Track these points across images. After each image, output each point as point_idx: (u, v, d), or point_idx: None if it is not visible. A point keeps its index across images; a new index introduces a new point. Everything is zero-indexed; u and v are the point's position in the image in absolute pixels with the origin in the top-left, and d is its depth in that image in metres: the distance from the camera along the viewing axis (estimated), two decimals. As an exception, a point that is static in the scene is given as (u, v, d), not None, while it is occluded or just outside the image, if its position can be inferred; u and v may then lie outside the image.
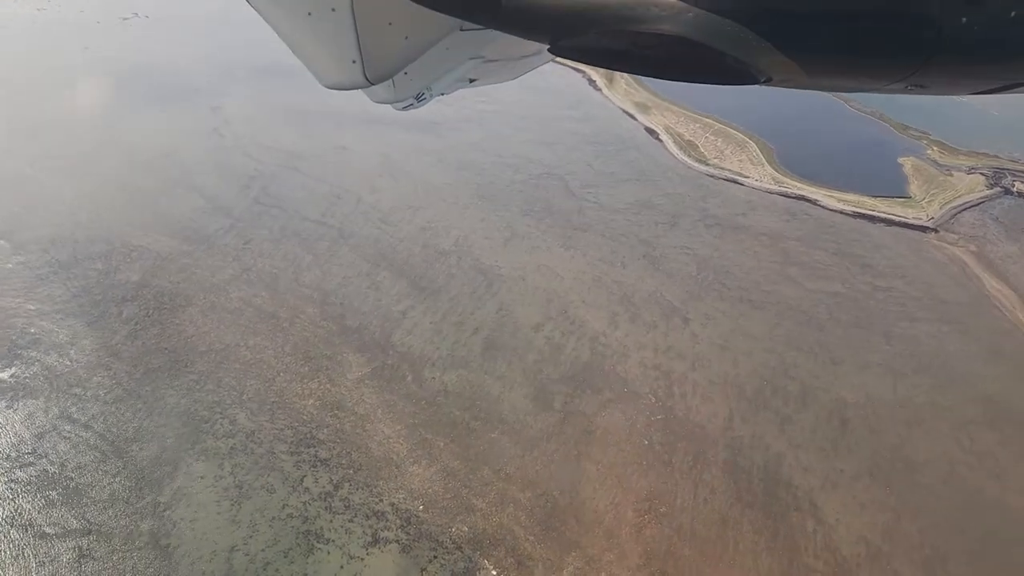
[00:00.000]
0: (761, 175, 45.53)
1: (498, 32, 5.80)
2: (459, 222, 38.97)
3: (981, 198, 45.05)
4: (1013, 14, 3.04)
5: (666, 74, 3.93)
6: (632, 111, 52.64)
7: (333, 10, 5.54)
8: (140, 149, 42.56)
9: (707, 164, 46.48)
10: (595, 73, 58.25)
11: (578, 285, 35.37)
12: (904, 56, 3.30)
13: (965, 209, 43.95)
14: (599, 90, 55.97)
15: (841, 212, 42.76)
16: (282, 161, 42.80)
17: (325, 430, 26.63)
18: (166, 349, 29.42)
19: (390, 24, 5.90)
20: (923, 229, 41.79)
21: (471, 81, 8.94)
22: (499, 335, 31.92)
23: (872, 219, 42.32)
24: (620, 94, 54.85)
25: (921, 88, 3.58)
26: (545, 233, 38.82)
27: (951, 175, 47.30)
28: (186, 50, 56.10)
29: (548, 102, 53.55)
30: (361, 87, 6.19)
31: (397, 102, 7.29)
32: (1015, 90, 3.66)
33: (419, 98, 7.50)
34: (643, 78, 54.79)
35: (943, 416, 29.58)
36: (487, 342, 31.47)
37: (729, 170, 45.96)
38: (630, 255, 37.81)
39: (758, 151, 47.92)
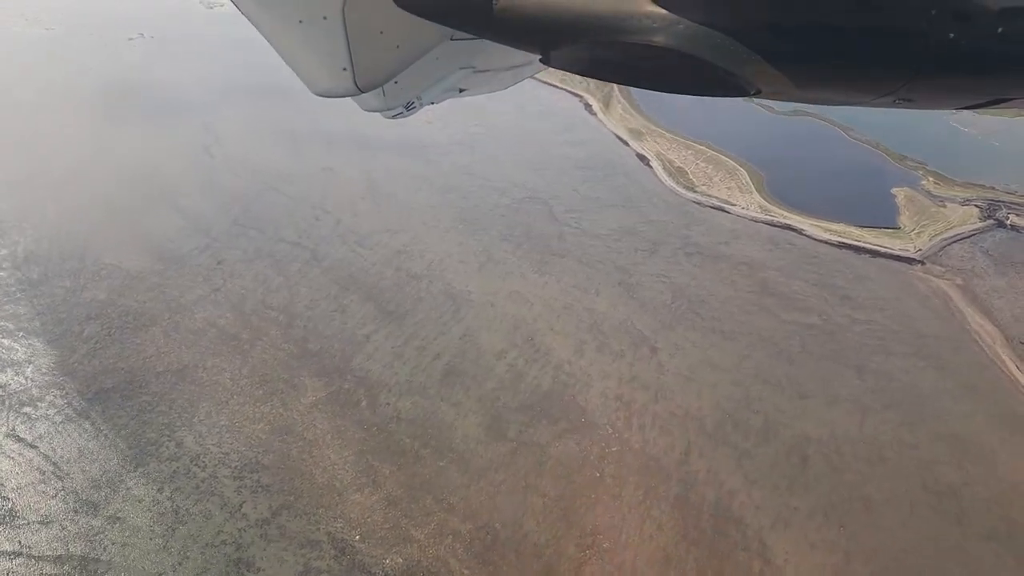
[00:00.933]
0: (748, 203, 45.01)
1: (489, 42, 5.88)
2: (436, 246, 38.83)
3: (973, 230, 44.15)
4: (1000, 30, 3.14)
5: (656, 85, 4.07)
6: (625, 137, 52.36)
7: (324, 18, 5.57)
8: (128, 167, 42.91)
9: (694, 191, 46.05)
10: (592, 98, 58.13)
11: (548, 312, 35.04)
12: (892, 70, 3.44)
13: (955, 241, 43.08)
14: (594, 115, 55.76)
15: (826, 242, 42.09)
16: (267, 182, 42.93)
17: (271, 455, 26.46)
18: (122, 369, 29.44)
19: (381, 33, 5.93)
20: (909, 261, 41.01)
21: (461, 91, 8.87)
22: (460, 361, 31.64)
23: (857, 250, 41.61)
24: (615, 119, 54.63)
25: (908, 102, 3.74)
26: (521, 258, 38.57)
27: (944, 206, 46.44)
28: (186, 70, 56.71)
29: (542, 126, 53.46)
30: (351, 95, 6.34)
31: (387, 110, 7.35)
32: (1001, 105, 3.74)
33: (409, 107, 7.53)
34: (640, 103, 54.97)
35: (909, 454, 28.85)
36: (447, 368, 31.21)
37: (716, 197, 45.49)
38: (605, 282, 37.44)
39: (748, 179, 47.41)
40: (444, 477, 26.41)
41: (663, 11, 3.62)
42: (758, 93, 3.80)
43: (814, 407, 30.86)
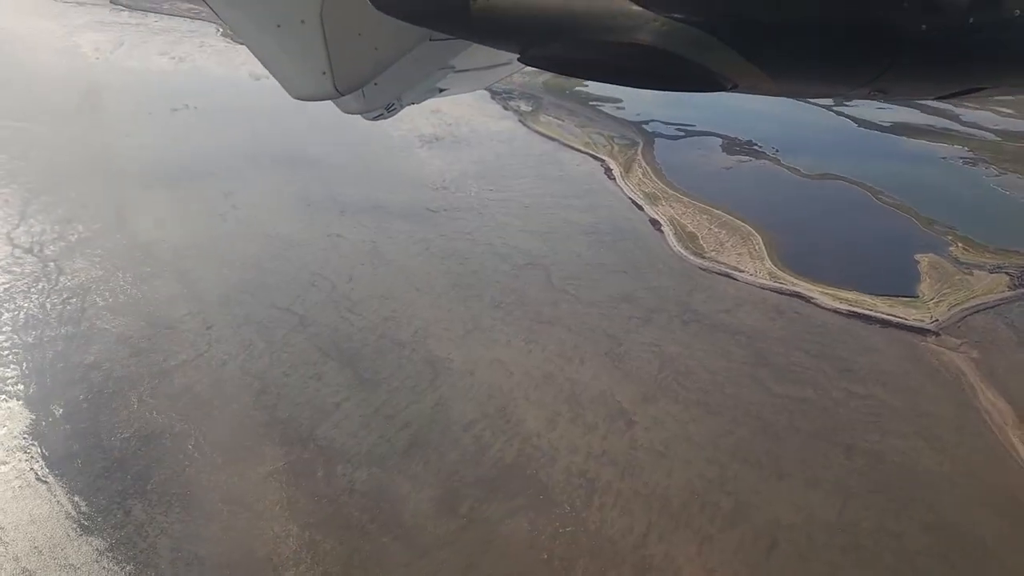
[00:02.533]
0: (757, 269, 43.70)
1: (468, 42, 6.26)
2: (425, 312, 38.75)
3: (999, 300, 41.77)
4: (971, 20, 3.20)
5: (633, 82, 4.30)
6: (641, 201, 51.77)
7: (302, 22, 5.74)
8: (140, 231, 44.38)
9: (703, 257, 45.00)
10: (613, 162, 57.93)
11: (527, 381, 34.38)
12: (865, 62, 3.52)
13: (977, 311, 40.79)
14: (613, 179, 55.41)
15: (835, 311, 40.41)
16: (272, 247, 43.78)
17: (215, 525, 26.34)
18: (91, 434, 29.93)
19: (360, 35, 6.03)
20: (922, 332, 38.95)
21: (441, 91, 9.14)
22: (427, 432, 31.17)
23: (867, 319, 39.79)
24: (633, 184, 54.17)
25: (883, 94, 3.88)
26: (510, 326, 38.11)
27: (971, 274, 44.17)
28: (220, 138, 58.82)
29: (556, 190, 53.33)
30: (331, 98, 6.45)
31: (367, 112, 7.71)
32: (975, 94, 3.86)
33: (389, 108, 7.98)
34: (662, 167, 54.69)
35: (888, 544, 26.91)
36: (412, 439, 30.76)
37: (724, 264, 44.33)
38: (592, 351, 36.62)
39: (762, 244, 46.12)
40: (386, 554, 25.78)
41: (639, 8, 3.68)
42: (735, 88, 3.89)
43: (792, 489, 29.21)
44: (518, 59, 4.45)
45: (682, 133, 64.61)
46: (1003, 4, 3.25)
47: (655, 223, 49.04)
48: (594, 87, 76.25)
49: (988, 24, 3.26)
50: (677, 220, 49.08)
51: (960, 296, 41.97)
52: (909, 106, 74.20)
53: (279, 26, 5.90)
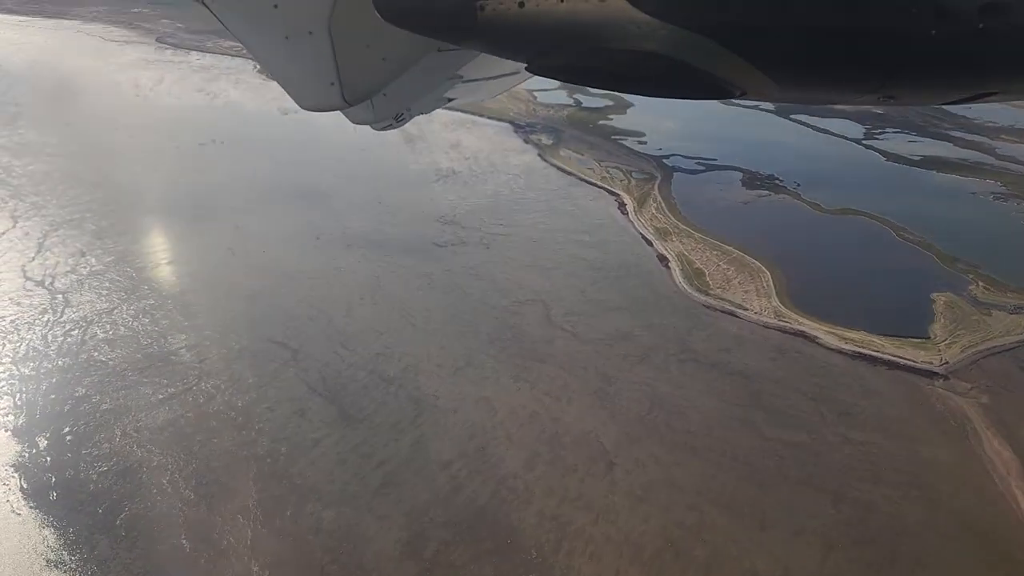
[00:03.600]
0: (763, 308, 42.64)
1: (475, 52, 6.24)
2: (418, 348, 38.59)
3: (1016, 342, 40.04)
4: (981, 25, 3.14)
5: (641, 90, 4.35)
6: (651, 236, 51.11)
7: (310, 33, 5.87)
8: (149, 264, 45.33)
9: (707, 294, 44.11)
10: (628, 197, 57.40)
11: (511, 420, 33.90)
12: (873, 69, 3.50)
13: (991, 354, 39.14)
14: (626, 214, 54.83)
15: (840, 351, 39.15)
16: (276, 281, 44.18)
17: (176, 564, 26.33)
18: (71, 467, 30.31)
19: (367, 46, 6.15)
20: (930, 375, 37.46)
21: (449, 100, 9.27)
22: (402, 471, 30.85)
23: (873, 361, 38.45)
24: (645, 219, 53.57)
25: (892, 99, 3.84)
26: (502, 363, 37.73)
27: (989, 314, 42.48)
28: (240, 173, 59.92)
29: (566, 225, 52.99)
30: (340, 108, 6.64)
31: (376, 122, 7.79)
32: (984, 100, 3.77)
33: (398, 118, 7.94)
34: (677, 202, 54.03)
35: (868, 602, 25.67)
36: (386, 478, 30.47)
37: (729, 301, 43.36)
38: (581, 390, 36.00)
39: (771, 282, 45.05)
40: (342, 596, 25.45)
41: (646, 16, 3.73)
42: (743, 95, 3.93)
43: (773, 539, 28.12)
44: (525, 68, 4.50)
45: (702, 167, 63.77)
46: (1013, 9, 3.17)
47: (663, 259, 48.29)
48: (618, 121, 76.16)
49: (998, 29, 3.19)
50: (685, 256, 48.26)
51: (975, 337, 40.32)
52: (942, 139, 72.49)
53: (287, 38, 6.04)
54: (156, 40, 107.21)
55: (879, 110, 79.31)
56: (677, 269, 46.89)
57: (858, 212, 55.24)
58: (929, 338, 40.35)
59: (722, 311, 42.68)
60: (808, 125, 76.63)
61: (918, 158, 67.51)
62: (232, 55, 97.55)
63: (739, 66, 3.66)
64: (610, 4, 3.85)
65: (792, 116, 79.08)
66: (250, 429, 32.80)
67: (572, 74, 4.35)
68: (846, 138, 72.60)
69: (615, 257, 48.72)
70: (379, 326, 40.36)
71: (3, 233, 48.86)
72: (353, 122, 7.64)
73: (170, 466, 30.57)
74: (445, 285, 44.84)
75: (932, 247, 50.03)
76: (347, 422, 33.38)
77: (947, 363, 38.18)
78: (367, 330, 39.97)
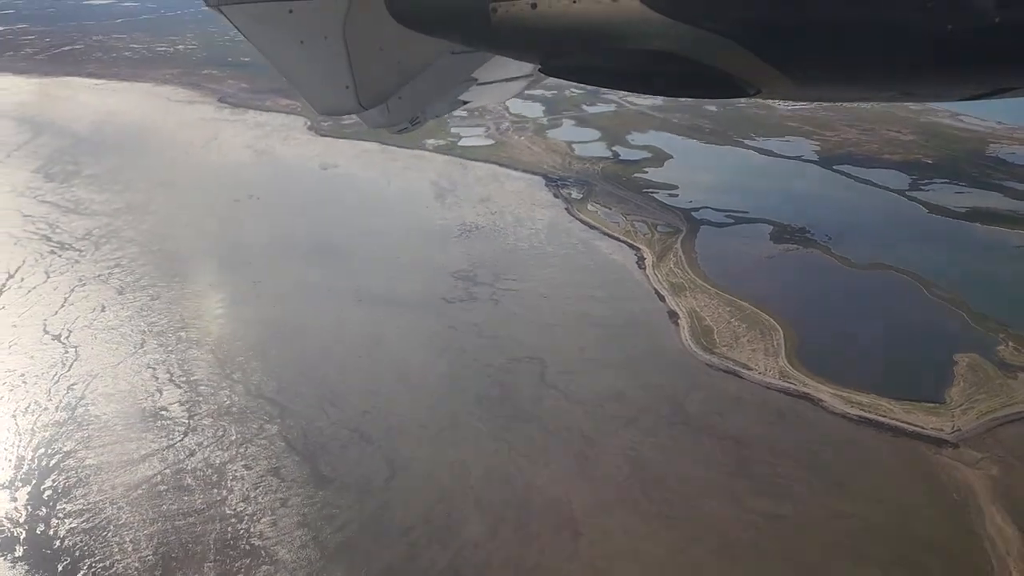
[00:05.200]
0: (768, 367, 40.99)
1: (489, 54, 6.61)
2: (405, 408, 38.29)
3: (1040, 409, 37.40)
4: (997, 20, 3.13)
5: (655, 90, 4.47)
6: (665, 291, 49.98)
7: (325, 38, 6.03)
8: (161, 319, 46.51)
9: (713, 353, 42.68)
10: (649, 250, 56.46)
11: (482, 484, 33.15)
12: (891, 65, 3.53)
13: (1011, 422, 36.63)
14: (643, 268, 53.81)
15: (844, 416, 37.23)
16: (280, 336, 44.72)
17: (119, 624, 26.33)
18: (41, 522, 30.88)
19: (382, 49, 6.28)
20: (938, 443, 35.23)
21: (464, 103, 9.71)
22: (362, 535, 30.40)
23: (879, 426, 36.43)
24: (662, 273, 52.47)
25: (909, 96, 4.10)
26: (485, 424, 37.10)
27: (1015, 378, 39.91)
28: (269, 229, 61.19)
29: (580, 280, 52.32)
30: (355, 112, 6.79)
31: (392, 126, 8.04)
32: (1002, 95, 3.78)
33: (413, 121, 8.25)
34: (699, 256, 52.89)
35: None
36: (344, 542, 30.07)
37: (734, 360, 41.83)
38: (561, 453, 35.06)
39: (781, 340, 43.37)
40: (275, 666, 24.95)
41: (659, 16, 3.72)
42: (758, 93, 3.97)
43: (735, 620, 26.50)
44: (539, 70, 4.54)
45: (731, 220, 62.30)
46: None
47: (673, 315, 47.08)
48: (653, 173, 75.39)
49: (1016, 23, 3.13)
50: (697, 312, 46.95)
51: (995, 403, 37.84)
52: (993, 189, 69.33)
53: (302, 43, 6.14)
54: (218, 100, 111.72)
55: (929, 160, 76.71)
56: (686, 326, 45.62)
57: (888, 267, 52.96)
58: (944, 403, 38.04)
59: (725, 371, 41.18)
60: (851, 176, 74.45)
61: (963, 210, 64.53)
62: (287, 112, 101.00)
63: (754, 64, 3.64)
64: (623, 4, 3.81)
65: (835, 167, 77.00)
66: (222, 487, 32.90)
67: (585, 75, 4.44)
68: (889, 189, 70.08)
69: (623, 313, 47.70)
70: (372, 384, 40.25)
71: (34, 288, 50.89)
72: (369, 126, 7.77)
73: (136, 524, 30.86)
74: (446, 342, 44.57)
75: (964, 304, 47.46)
76: (318, 483, 33.16)
77: (959, 430, 35.88)
78: (359, 388, 39.89)
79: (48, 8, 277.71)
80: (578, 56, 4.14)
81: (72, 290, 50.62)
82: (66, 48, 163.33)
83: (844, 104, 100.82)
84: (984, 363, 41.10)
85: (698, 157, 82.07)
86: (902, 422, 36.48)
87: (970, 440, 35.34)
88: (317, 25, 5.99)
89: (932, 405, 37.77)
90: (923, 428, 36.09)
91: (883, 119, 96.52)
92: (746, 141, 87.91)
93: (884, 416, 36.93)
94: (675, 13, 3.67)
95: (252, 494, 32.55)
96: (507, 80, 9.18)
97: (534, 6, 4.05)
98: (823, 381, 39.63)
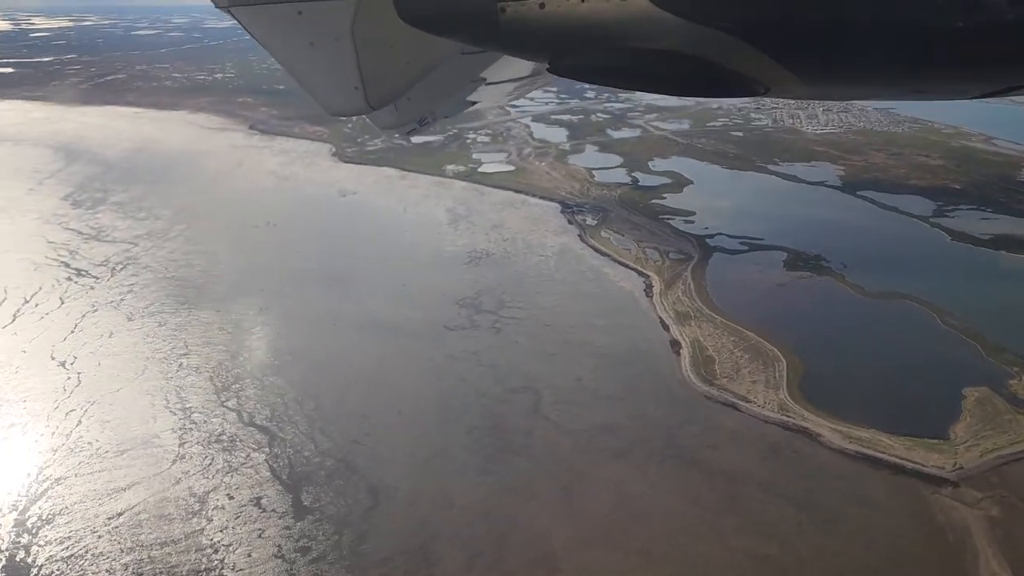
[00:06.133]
0: (767, 400, 40.00)
1: (498, 54, 6.69)
2: (394, 437, 38.03)
3: (1050, 446, 35.89)
4: (1010, 16, 3.13)
5: (664, 89, 4.48)
6: (670, 320, 49.23)
7: (335, 39, 6.14)
8: (165, 346, 47.01)
9: (712, 384, 41.79)
10: (657, 278, 55.77)
11: (463, 517, 32.67)
12: (902, 63, 3.52)
13: (1016, 460, 35.20)
14: (650, 296, 53.14)
15: (842, 452, 36.10)
16: (279, 363, 44.91)
17: (83, 655, 26.31)
18: (22, 549, 31.11)
19: (391, 50, 6.41)
20: (938, 481, 33.93)
21: (473, 104, 9.95)
22: (334, 568, 30.07)
23: (877, 463, 35.25)
24: (668, 302, 51.74)
25: (920, 94, 3.98)
26: (473, 455, 36.66)
27: (1025, 414, 38.41)
28: (282, 255, 61.87)
29: (585, 308, 51.81)
30: (364, 113, 6.90)
31: (400, 126, 8.32)
32: (1014, 93, 3.77)
33: (422, 122, 8.46)
34: (708, 284, 52.14)
35: None
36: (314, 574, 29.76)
37: (733, 393, 40.91)
38: (548, 486, 34.45)
39: (784, 372, 42.35)
40: None
41: (668, 15, 3.75)
42: (768, 92, 4.00)
43: (707, 664, 25.61)
44: (547, 69, 4.52)
45: (745, 247, 61.38)
46: None
47: (675, 345, 46.31)
48: (672, 200, 74.84)
49: None
50: (700, 342, 46.11)
51: (1001, 440, 36.42)
52: (1020, 216, 67.33)
53: (312, 44, 6.26)
54: (248, 127, 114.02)
55: (957, 185, 75.03)
56: (687, 356, 44.81)
57: (903, 296, 51.56)
58: (948, 439, 36.72)
59: (723, 403, 40.29)
60: (874, 202, 73.16)
61: (987, 237, 62.80)
62: (313, 139, 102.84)
63: (763, 63, 3.63)
64: (631, 3, 3.81)
65: (858, 193, 75.69)
66: (202, 517, 32.88)
67: (594, 74, 4.41)
68: (912, 215, 68.58)
69: (625, 342, 47.02)
70: (365, 411, 40.11)
71: (47, 313, 51.92)
72: (379, 127, 7.93)
73: (113, 554, 30.93)
74: (443, 370, 44.31)
75: (979, 336, 45.94)
76: (298, 513, 32.98)
77: (961, 468, 34.54)
78: (352, 415, 39.78)
79: (98, 39, 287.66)
80: (587, 56, 4.14)
81: (83, 316, 51.45)
82: (109, 77, 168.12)
83: (873, 128, 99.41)
84: (994, 398, 39.63)
85: (719, 183, 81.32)
86: (901, 459, 35.25)
87: (972, 478, 33.99)
88: (326, 26, 6.06)
89: (935, 441, 36.45)
90: (923, 466, 34.82)
91: (913, 143, 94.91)
92: (769, 166, 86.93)
93: (883, 452, 35.72)
94: (684, 12, 3.69)
95: (231, 524, 32.44)
96: (516, 80, 9.23)
97: (542, 6, 4.06)
98: (823, 415, 38.52)
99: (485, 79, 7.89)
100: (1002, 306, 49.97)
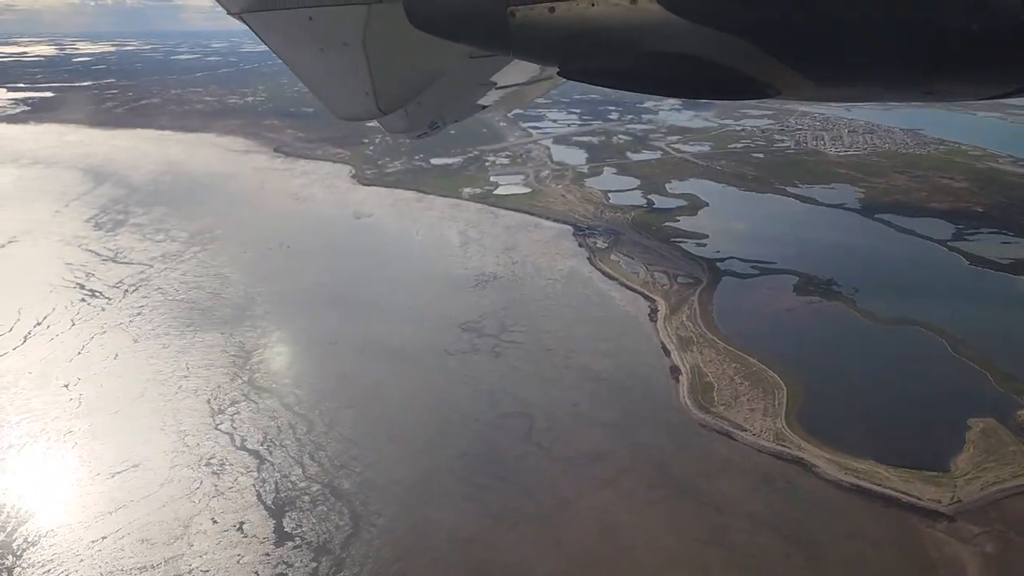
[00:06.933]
0: (763, 429, 39.20)
1: (508, 58, 6.71)
2: (383, 462, 37.84)
3: (1054, 481, 34.66)
4: (1022, 18, 3.17)
5: (675, 92, 4.60)
6: (672, 346, 48.56)
7: (345, 44, 6.22)
8: (164, 368, 47.41)
9: (708, 412, 41.07)
10: (663, 302, 55.16)
11: (444, 544, 32.36)
12: (913, 65, 3.59)
13: (1018, 494, 34.02)
14: (654, 321, 52.52)
15: (837, 483, 35.21)
16: (276, 386, 45.05)
17: None
18: (5, 569, 31.37)
19: (401, 55, 6.47)
20: (934, 515, 32.90)
21: (483, 108, 10.15)
22: (309, 595, 29.89)
23: (871, 496, 34.32)
24: (672, 327, 51.08)
25: (931, 95, 4.01)
26: (460, 482, 36.32)
27: (1032, 446, 37.19)
28: (292, 278, 62.24)
29: (588, 332, 51.35)
30: (374, 118, 6.96)
31: (411, 131, 8.39)
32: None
33: (432, 126, 8.48)
34: (715, 309, 51.52)
35: None
36: (290, 602, 29.60)
37: (729, 420, 40.15)
38: (533, 514, 34.01)
39: (784, 400, 41.51)
40: None
41: (678, 18, 3.80)
42: (778, 94, 4.00)
43: None
44: (558, 73, 4.56)
45: (756, 271, 60.54)
46: None
47: (675, 371, 45.65)
48: (685, 222, 74.23)
49: None
50: (700, 368, 45.41)
51: (1004, 473, 35.27)
52: (1042, 240, 65.71)
53: (323, 50, 6.36)
54: (273, 149, 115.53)
55: (980, 208, 73.56)
56: (686, 382, 44.14)
57: (914, 322, 50.39)
58: (948, 471, 35.65)
59: (718, 431, 39.58)
60: (892, 225, 71.95)
61: (1007, 262, 61.30)
62: (334, 161, 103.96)
63: (774, 66, 3.66)
64: (641, 7, 3.84)
65: (877, 216, 74.45)
66: (184, 541, 32.92)
67: (605, 78, 4.42)
68: (930, 239, 67.22)
69: (625, 368, 46.47)
70: (356, 436, 40.01)
71: (57, 335, 52.73)
72: (389, 131, 7.96)
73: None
74: (440, 395, 44.12)
75: (990, 364, 44.64)
76: (279, 539, 32.87)
77: (958, 502, 33.49)
78: (342, 440, 39.71)
79: (137, 63, 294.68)
80: (597, 59, 4.18)
81: (92, 338, 52.15)
82: (144, 101, 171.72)
83: (898, 150, 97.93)
84: (1000, 429, 38.44)
85: (735, 205, 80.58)
86: (897, 491, 34.26)
87: (970, 513, 32.91)
88: (337, 32, 6.08)
89: (934, 474, 35.41)
90: (919, 499, 33.81)
91: (938, 165, 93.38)
92: (788, 188, 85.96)
93: (879, 484, 34.76)
94: (694, 15, 3.69)
95: (211, 550, 32.42)
96: (526, 84, 9.23)
97: (552, 10, 4.08)
98: (821, 445, 37.65)
99: (495, 83, 7.95)
100: (1017, 333, 48.64)
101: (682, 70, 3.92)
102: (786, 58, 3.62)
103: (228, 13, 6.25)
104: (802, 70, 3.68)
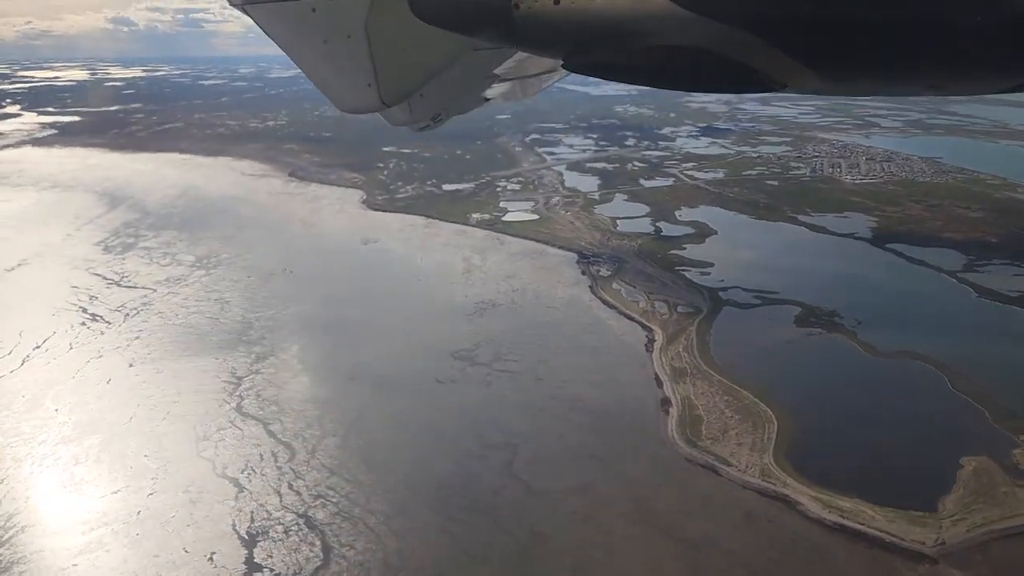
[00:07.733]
0: (749, 464, 38.36)
1: (512, 50, 6.75)
2: (361, 493, 37.48)
3: (1046, 524, 33.52)
4: None
5: (680, 85, 4.59)
6: (665, 377, 47.86)
7: (348, 36, 6.25)
8: (155, 395, 47.50)
9: (695, 446, 40.31)
10: (660, 332, 54.50)
11: (412, 580, 31.85)
12: (920, 59, 3.60)
13: (1007, 536, 32.93)
14: (650, 351, 51.86)
15: (819, 521, 34.31)
16: (263, 413, 44.86)
17: None
18: (-30, 597, 31.43)
19: (404, 47, 6.51)
20: (916, 557, 31.89)
21: (487, 100, 10.18)
22: (271, 629, 29.50)
23: (854, 535, 33.36)
24: (667, 358, 50.38)
25: (936, 89, 4.01)
26: (436, 514, 35.82)
27: (1023, 487, 36.04)
28: (292, 304, 62.45)
29: (581, 362, 50.78)
30: (377, 110, 6.96)
31: (414, 123, 8.28)
32: None
33: (435, 119, 8.46)
34: (713, 340, 50.85)
35: None
36: (252, 636, 29.22)
37: (715, 455, 39.36)
38: (504, 551, 33.42)
39: (773, 434, 40.68)
40: None
41: (684, 11, 3.81)
42: (784, 87, 4.04)
43: None
44: (562, 66, 4.66)
45: (759, 301, 59.69)
46: None
47: (665, 403, 44.93)
48: (692, 250, 73.59)
49: None
50: (691, 400, 44.68)
51: (993, 514, 34.18)
52: (1051, 272, 64.25)
53: (325, 41, 6.32)
54: (288, 173, 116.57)
55: (994, 239, 72.29)
56: (675, 415, 43.43)
57: (915, 356, 49.29)
58: (935, 511, 34.58)
59: (702, 465, 38.81)
60: (902, 255, 70.81)
61: (1016, 294, 59.98)
62: (346, 186, 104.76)
63: (779, 59, 3.67)
64: (646, 0, 3.84)
65: (887, 246, 73.34)
66: (151, 572, 32.71)
67: (609, 71, 4.39)
68: (940, 270, 66.00)
69: (615, 399, 45.84)
70: (336, 466, 39.73)
71: (54, 359, 53.21)
72: (391, 123, 7.72)
73: (57, 600, 30.87)
74: (425, 424, 43.75)
75: (989, 400, 43.47)
76: (248, 569, 32.62)
77: (943, 543, 32.47)
78: (322, 469, 39.44)
79: (166, 88, 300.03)
80: (602, 52, 4.13)
81: (88, 362, 52.51)
82: (167, 126, 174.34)
83: (916, 178, 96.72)
84: (992, 468, 37.34)
85: (743, 233, 79.81)
86: (881, 531, 33.30)
87: (954, 555, 31.86)
88: (340, 23, 6.06)
89: (920, 514, 34.37)
90: (901, 539, 32.83)
91: (954, 194, 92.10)
92: (800, 216, 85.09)
93: (862, 524, 33.81)
94: (699, 8, 3.68)
95: (179, 578, 32.19)
96: (530, 76, 9.27)
97: (557, 2, 4.07)
98: (806, 482, 36.77)
99: (499, 75, 7.89)
100: (1019, 368, 47.37)
101: (687, 63, 3.91)
102: (792, 51, 3.61)
103: (231, 4, 6.21)
104: (808, 63, 3.67)
